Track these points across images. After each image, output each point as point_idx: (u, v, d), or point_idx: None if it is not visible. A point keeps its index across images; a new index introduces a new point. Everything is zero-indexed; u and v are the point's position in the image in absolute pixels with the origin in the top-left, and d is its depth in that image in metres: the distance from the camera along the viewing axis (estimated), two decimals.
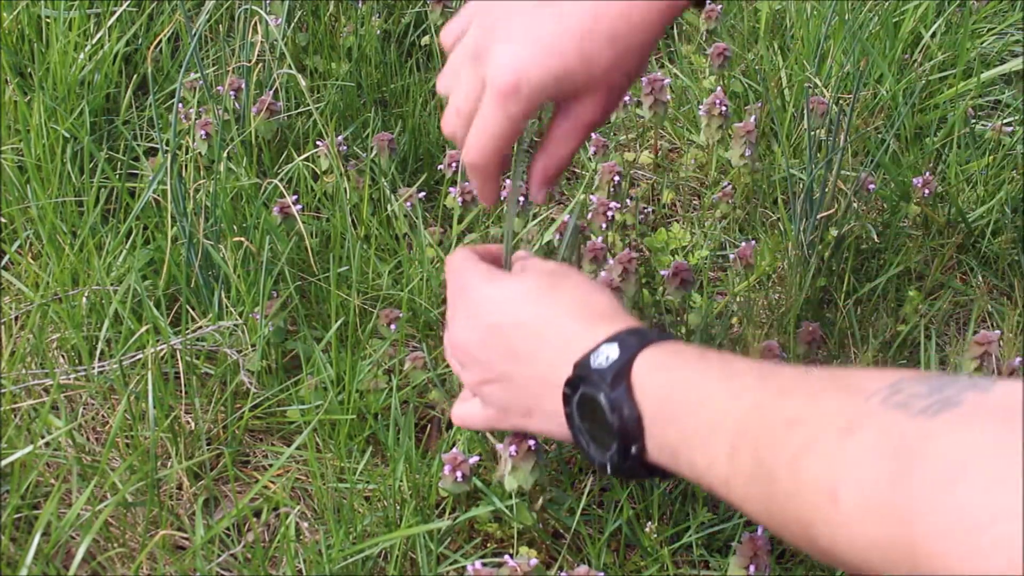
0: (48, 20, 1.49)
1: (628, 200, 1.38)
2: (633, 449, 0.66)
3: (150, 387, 1.06)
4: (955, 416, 0.46)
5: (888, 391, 0.50)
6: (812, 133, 1.33)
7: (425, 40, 1.64)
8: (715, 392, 0.61)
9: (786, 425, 0.54)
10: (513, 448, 0.93)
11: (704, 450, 0.60)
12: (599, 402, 0.66)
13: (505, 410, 0.79)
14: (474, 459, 1.01)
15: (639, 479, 0.81)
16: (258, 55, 1.41)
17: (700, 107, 1.43)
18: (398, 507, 1.05)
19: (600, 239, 1.22)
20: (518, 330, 0.74)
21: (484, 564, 0.95)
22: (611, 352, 0.67)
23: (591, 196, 1.32)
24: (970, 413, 0.46)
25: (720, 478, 0.59)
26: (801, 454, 0.52)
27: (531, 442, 0.93)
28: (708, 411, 0.60)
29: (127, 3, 1.51)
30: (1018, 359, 1.13)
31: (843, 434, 0.50)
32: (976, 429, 0.45)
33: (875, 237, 1.37)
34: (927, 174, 1.42)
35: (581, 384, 0.68)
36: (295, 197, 1.29)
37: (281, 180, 1.30)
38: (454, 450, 1.02)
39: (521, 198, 1.13)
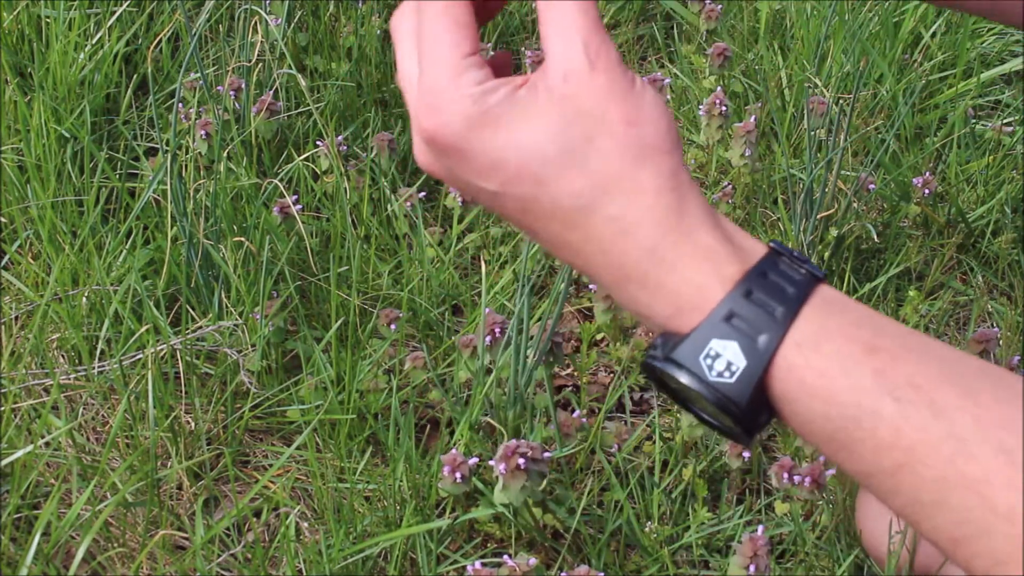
0: (48, 20, 1.49)
1: None
2: (762, 424, 0.49)
3: (150, 387, 1.06)
4: None
5: None
6: (812, 133, 1.33)
7: None
8: (865, 389, 0.46)
9: (952, 443, 0.45)
10: (503, 467, 0.92)
11: (850, 451, 0.47)
12: (721, 412, 0.48)
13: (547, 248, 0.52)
14: (473, 460, 1.01)
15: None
16: (258, 55, 1.41)
17: (700, 107, 1.42)
18: (398, 507, 1.05)
19: None
20: (555, 221, 0.49)
21: (484, 564, 0.95)
22: (731, 355, 0.46)
23: None
24: None
25: (875, 487, 0.48)
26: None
27: (520, 460, 0.90)
28: (857, 409, 0.46)
29: (127, 3, 1.51)
30: (1016, 358, 1.13)
31: None
32: None
33: (875, 237, 1.37)
34: (927, 174, 1.42)
35: (685, 377, 0.47)
36: (295, 197, 1.29)
37: (281, 180, 1.30)
38: (453, 451, 1.02)
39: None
